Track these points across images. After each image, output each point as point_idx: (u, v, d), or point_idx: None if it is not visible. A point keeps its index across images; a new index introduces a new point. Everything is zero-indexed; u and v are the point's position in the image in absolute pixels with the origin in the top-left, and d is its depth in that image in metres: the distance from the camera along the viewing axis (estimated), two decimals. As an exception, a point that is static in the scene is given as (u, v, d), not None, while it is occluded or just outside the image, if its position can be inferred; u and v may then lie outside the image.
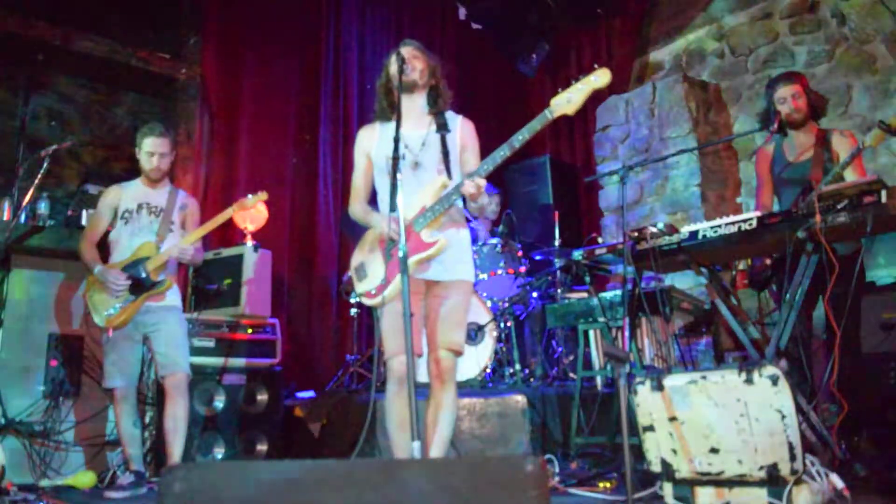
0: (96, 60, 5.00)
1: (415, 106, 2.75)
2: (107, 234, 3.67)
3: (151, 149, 3.60)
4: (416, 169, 2.68)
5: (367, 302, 2.71)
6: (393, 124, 2.72)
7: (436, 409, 2.63)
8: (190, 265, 3.88)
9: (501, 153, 2.53)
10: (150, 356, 3.66)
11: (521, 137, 2.52)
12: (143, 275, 3.46)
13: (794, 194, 3.43)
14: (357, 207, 2.83)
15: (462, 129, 2.78)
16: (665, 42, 6.54)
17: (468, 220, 5.58)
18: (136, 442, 3.54)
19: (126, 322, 3.46)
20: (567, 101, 2.52)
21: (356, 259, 2.79)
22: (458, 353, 2.68)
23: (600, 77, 2.52)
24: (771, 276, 3.50)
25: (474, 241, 5.22)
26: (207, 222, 3.62)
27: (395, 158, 2.37)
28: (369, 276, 2.70)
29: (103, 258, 3.60)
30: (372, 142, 2.81)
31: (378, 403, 2.80)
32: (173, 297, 3.60)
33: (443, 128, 2.72)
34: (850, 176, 3.24)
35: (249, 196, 3.71)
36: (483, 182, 2.54)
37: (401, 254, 2.27)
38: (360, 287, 2.73)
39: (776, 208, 3.59)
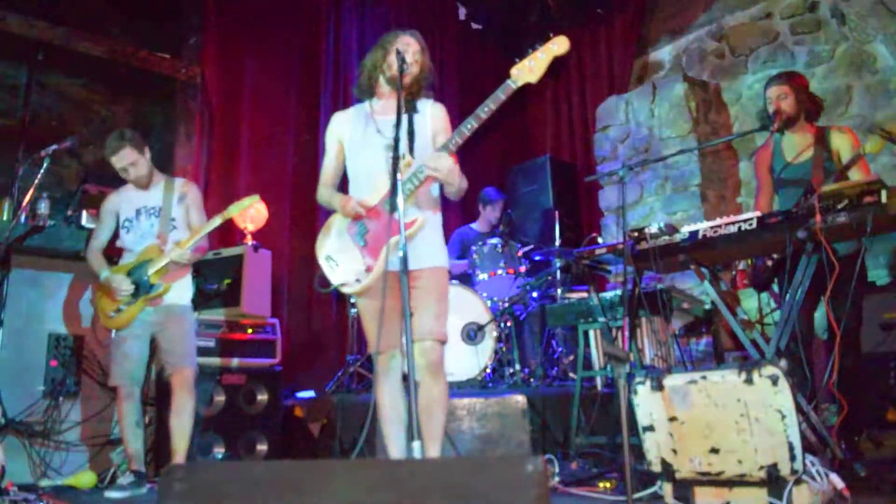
0: (96, 60, 5.00)
1: (393, 95, 2.72)
2: (115, 239, 3.68)
3: (119, 165, 3.55)
4: (389, 151, 2.67)
5: (347, 291, 2.68)
6: (364, 106, 2.76)
7: (427, 402, 2.61)
8: (190, 262, 3.85)
9: (468, 125, 2.53)
10: (155, 354, 3.67)
11: (486, 108, 2.53)
12: (144, 278, 3.46)
13: (794, 194, 3.43)
14: (324, 192, 2.80)
15: (433, 113, 2.77)
16: (665, 42, 6.54)
17: (470, 222, 5.63)
18: (138, 441, 3.54)
19: (126, 324, 3.47)
20: (529, 70, 2.54)
21: (323, 248, 2.73)
22: (443, 342, 2.66)
23: (559, 44, 2.56)
24: (772, 276, 3.50)
25: (474, 241, 5.23)
26: (202, 227, 3.53)
27: (396, 158, 2.36)
28: (342, 264, 2.67)
29: (114, 262, 3.61)
30: (345, 127, 2.79)
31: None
32: (182, 294, 3.60)
33: (412, 110, 2.70)
34: (856, 176, 3.24)
35: (236, 202, 3.56)
36: (449, 160, 2.51)
37: (401, 254, 2.26)
38: (335, 277, 2.68)
39: (776, 208, 3.59)
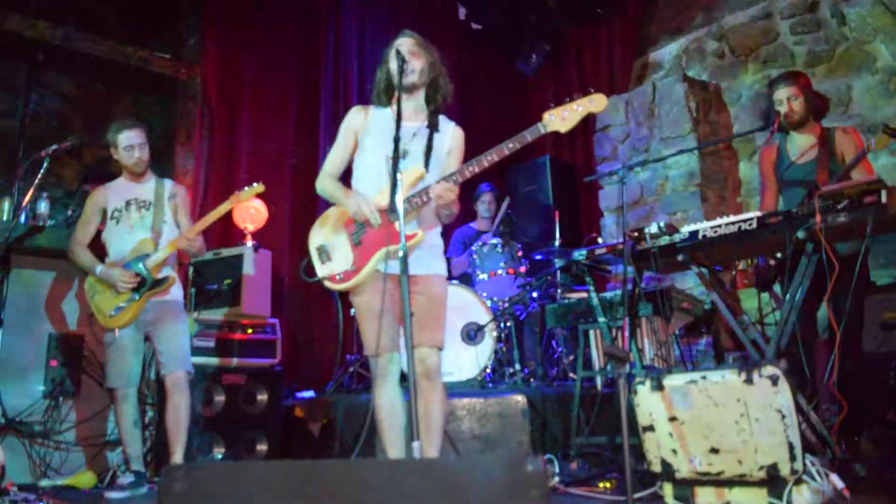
0: (96, 60, 5.00)
1: (414, 102, 2.73)
2: (99, 233, 3.66)
3: (129, 142, 3.58)
4: (404, 158, 2.64)
5: (330, 286, 2.68)
6: (387, 111, 2.73)
7: (426, 407, 2.60)
8: (195, 257, 3.89)
9: (489, 157, 2.55)
10: (152, 355, 3.67)
11: (510, 146, 2.54)
12: (145, 272, 3.46)
13: (798, 194, 3.43)
14: (328, 182, 2.76)
15: (452, 134, 2.79)
16: (665, 42, 6.54)
17: (470, 221, 5.63)
18: (137, 442, 3.54)
19: (131, 321, 3.46)
20: (561, 120, 2.55)
21: (316, 238, 2.73)
22: (440, 349, 2.66)
23: (597, 102, 2.55)
24: (776, 276, 3.50)
25: (474, 240, 5.23)
26: (208, 214, 3.61)
27: (395, 158, 2.37)
28: (334, 259, 2.67)
29: (98, 258, 3.59)
30: (364, 124, 2.78)
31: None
32: (175, 291, 3.60)
33: (433, 126, 2.72)
34: (858, 176, 3.24)
35: (245, 188, 3.68)
36: (455, 188, 2.53)
37: (401, 254, 2.25)
38: (322, 270, 2.69)
39: (780, 207, 3.58)
